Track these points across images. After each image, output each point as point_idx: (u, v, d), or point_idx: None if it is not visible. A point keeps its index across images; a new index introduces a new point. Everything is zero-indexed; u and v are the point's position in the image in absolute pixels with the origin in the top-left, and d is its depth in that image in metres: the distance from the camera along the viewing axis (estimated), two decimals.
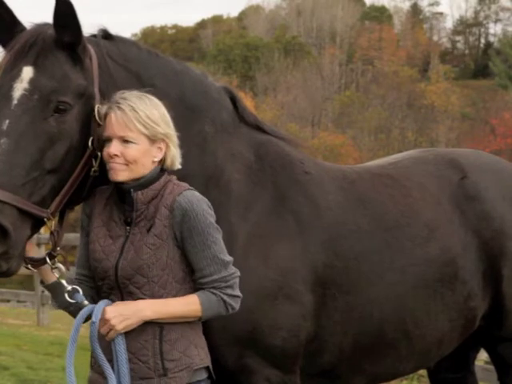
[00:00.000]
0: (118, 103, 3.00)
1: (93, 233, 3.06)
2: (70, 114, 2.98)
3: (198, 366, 3.00)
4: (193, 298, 2.97)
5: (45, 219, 2.92)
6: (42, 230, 3.23)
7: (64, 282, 3.00)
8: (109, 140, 2.99)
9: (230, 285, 3.00)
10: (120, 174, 2.97)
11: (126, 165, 2.97)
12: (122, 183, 3.00)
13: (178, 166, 3.10)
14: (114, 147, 2.97)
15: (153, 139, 3.00)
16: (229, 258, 3.03)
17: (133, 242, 2.98)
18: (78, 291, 2.99)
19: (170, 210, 2.97)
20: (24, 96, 2.92)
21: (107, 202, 3.09)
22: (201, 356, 3.02)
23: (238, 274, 3.03)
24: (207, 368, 3.07)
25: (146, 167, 3.00)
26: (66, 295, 2.99)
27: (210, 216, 3.02)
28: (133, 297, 2.95)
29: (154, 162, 3.03)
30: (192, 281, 3.02)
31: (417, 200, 4.08)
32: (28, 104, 2.91)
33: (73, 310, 3.06)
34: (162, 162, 3.06)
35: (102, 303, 2.92)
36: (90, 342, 2.91)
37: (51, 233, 2.98)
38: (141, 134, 2.98)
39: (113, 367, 2.90)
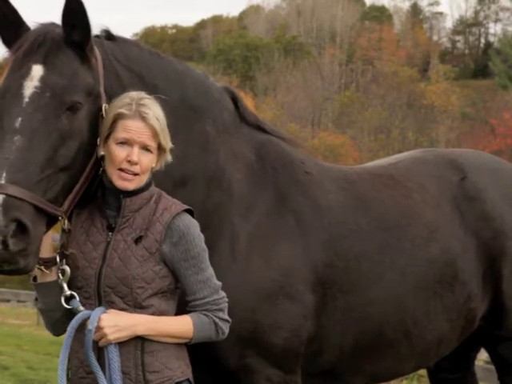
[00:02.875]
0: (143, 113, 2.96)
1: (74, 241, 3.01)
2: (80, 112, 2.96)
3: (179, 378, 2.97)
4: (186, 319, 2.96)
5: (59, 217, 2.91)
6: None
7: (65, 285, 2.96)
8: (120, 143, 2.94)
9: (221, 308, 3.00)
10: (132, 183, 2.94)
11: (137, 174, 2.94)
12: (113, 187, 2.96)
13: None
14: (136, 154, 2.93)
15: (160, 148, 3.01)
16: (219, 283, 3.03)
17: (116, 250, 2.95)
18: (75, 297, 2.95)
19: (165, 228, 2.95)
20: (35, 94, 2.90)
21: (90, 211, 3.05)
22: (182, 368, 3.00)
23: (227, 299, 3.04)
24: (187, 379, 3.03)
25: (147, 176, 3.01)
26: (63, 300, 2.94)
27: (203, 241, 3.02)
28: (113, 306, 2.92)
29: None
30: (173, 298, 3.01)
31: (417, 201, 4.08)
32: (40, 102, 2.90)
33: (53, 314, 3.00)
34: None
35: (98, 310, 2.88)
36: (85, 349, 2.87)
37: (63, 231, 2.96)
38: (157, 144, 2.99)
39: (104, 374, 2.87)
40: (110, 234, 2.98)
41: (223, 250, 3.37)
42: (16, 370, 8.65)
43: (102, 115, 3.02)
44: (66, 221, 2.94)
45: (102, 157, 3.00)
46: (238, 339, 3.36)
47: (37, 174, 2.82)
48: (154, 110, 3.00)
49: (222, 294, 3.02)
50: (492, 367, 4.88)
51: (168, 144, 3.03)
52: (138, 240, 2.95)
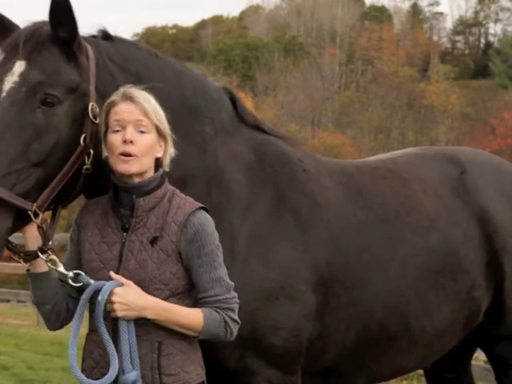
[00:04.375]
0: (130, 94, 2.96)
1: (87, 242, 3.01)
2: (59, 108, 2.96)
3: (195, 381, 2.97)
4: (197, 311, 2.94)
5: (29, 212, 2.88)
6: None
7: (62, 269, 2.95)
8: (115, 131, 2.94)
9: (231, 307, 2.97)
10: (132, 165, 2.91)
11: (136, 156, 2.91)
12: (124, 186, 2.95)
13: (167, 167, 3.07)
14: (130, 133, 2.91)
15: (160, 133, 2.98)
16: (232, 283, 3.01)
17: (131, 251, 2.93)
18: (80, 273, 2.94)
19: (179, 227, 2.93)
20: (13, 88, 2.93)
21: (104, 211, 3.04)
22: (197, 371, 2.99)
23: (238, 300, 3.01)
24: (202, 382, 3.03)
25: (150, 162, 2.97)
26: (70, 281, 2.93)
27: (217, 238, 3.01)
28: None
29: (155, 158, 2.99)
30: (189, 297, 3.00)
31: (416, 191, 4.08)
32: (16, 96, 2.92)
33: (44, 307, 2.99)
34: (160, 162, 3.03)
35: (112, 283, 2.86)
36: (95, 320, 2.87)
37: (38, 227, 2.94)
38: (153, 124, 2.96)
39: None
40: (125, 234, 2.96)
41: (222, 251, 3.38)
42: (16, 370, 8.64)
43: (89, 114, 3.01)
44: (41, 216, 2.92)
45: (88, 153, 3.00)
46: (238, 340, 3.33)
47: (5, 168, 2.82)
48: (143, 94, 2.99)
49: (234, 294, 3.00)
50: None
51: (166, 129, 3.01)
52: (153, 241, 2.93)
